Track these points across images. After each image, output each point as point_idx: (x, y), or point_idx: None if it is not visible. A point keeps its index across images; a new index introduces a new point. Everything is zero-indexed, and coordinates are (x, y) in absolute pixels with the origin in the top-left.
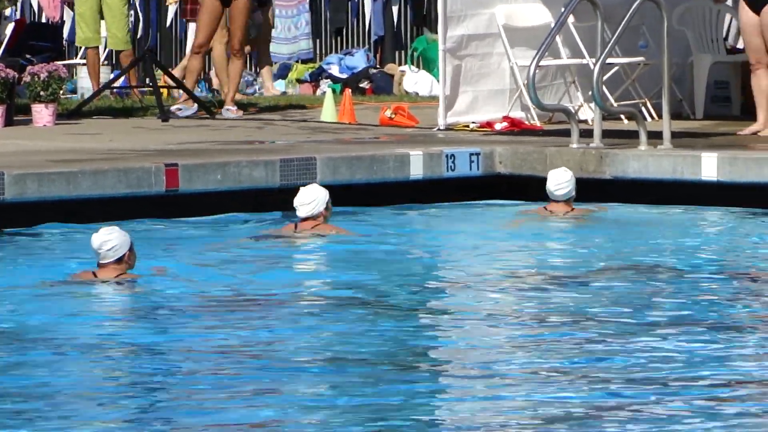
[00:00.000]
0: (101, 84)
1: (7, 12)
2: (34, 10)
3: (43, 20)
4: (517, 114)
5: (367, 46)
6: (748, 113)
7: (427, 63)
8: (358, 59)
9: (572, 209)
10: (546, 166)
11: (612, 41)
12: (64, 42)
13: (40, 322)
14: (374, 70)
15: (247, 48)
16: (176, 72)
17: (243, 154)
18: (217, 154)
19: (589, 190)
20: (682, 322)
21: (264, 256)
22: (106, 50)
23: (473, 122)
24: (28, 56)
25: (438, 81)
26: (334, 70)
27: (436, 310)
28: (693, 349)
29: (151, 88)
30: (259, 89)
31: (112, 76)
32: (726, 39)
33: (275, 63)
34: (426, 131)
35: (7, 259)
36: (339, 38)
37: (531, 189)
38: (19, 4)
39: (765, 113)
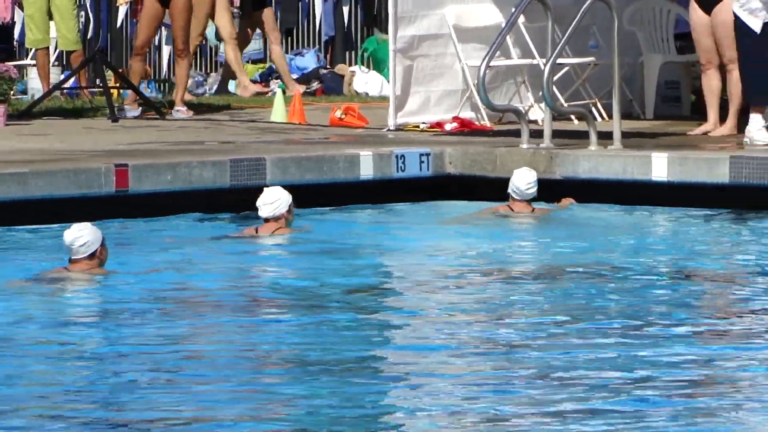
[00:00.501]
0: (51, 85)
1: None
2: None
3: None
4: (468, 114)
5: (317, 47)
6: (698, 113)
7: (378, 63)
8: (309, 60)
9: (533, 210)
10: (496, 166)
11: (562, 41)
12: (14, 43)
13: (15, 319)
14: (324, 71)
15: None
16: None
17: (193, 155)
18: (168, 154)
19: (540, 190)
20: (631, 323)
21: (225, 257)
22: (57, 51)
23: (423, 123)
24: None
25: (388, 81)
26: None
27: (399, 310)
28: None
29: (102, 89)
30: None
31: (62, 76)
32: None
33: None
34: (376, 132)
35: None
36: (289, 38)
37: (481, 190)
38: None
39: (715, 113)
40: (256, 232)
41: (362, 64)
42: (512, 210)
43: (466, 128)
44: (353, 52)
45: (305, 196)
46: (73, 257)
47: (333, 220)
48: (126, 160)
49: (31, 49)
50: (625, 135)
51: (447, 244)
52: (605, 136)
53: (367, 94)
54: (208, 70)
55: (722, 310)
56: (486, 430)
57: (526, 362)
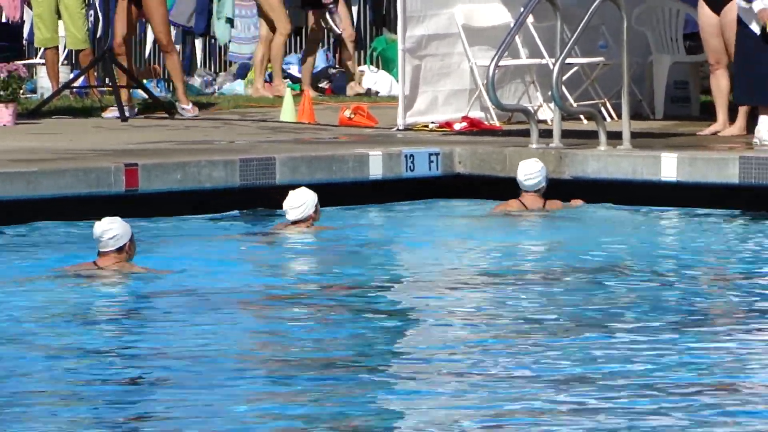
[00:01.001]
0: (61, 84)
1: None
2: None
3: (3, 20)
4: (477, 114)
5: (326, 46)
6: (707, 113)
7: (387, 63)
8: (318, 59)
9: (544, 202)
10: (505, 166)
11: (571, 41)
12: (24, 42)
13: (41, 313)
14: (334, 70)
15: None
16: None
17: (203, 154)
18: (177, 153)
19: (549, 190)
20: (641, 321)
21: (255, 254)
22: (66, 50)
23: (433, 122)
24: None
25: (397, 81)
26: (294, 70)
27: (414, 310)
28: (651, 348)
29: (111, 88)
30: (218, 89)
31: (71, 75)
32: None
33: (234, 63)
34: (385, 131)
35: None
36: (298, 38)
37: (490, 189)
38: None
39: (724, 113)
40: (286, 227)
41: (371, 63)
42: (523, 204)
43: (475, 128)
44: (362, 52)
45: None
46: (101, 250)
47: (355, 217)
48: (135, 160)
49: (40, 48)
50: (635, 135)
51: (459, 243)
52: (614, 136)
53: (376, 93)
54: (218, 70)
55: (732, 310)
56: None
57: (534, 362)
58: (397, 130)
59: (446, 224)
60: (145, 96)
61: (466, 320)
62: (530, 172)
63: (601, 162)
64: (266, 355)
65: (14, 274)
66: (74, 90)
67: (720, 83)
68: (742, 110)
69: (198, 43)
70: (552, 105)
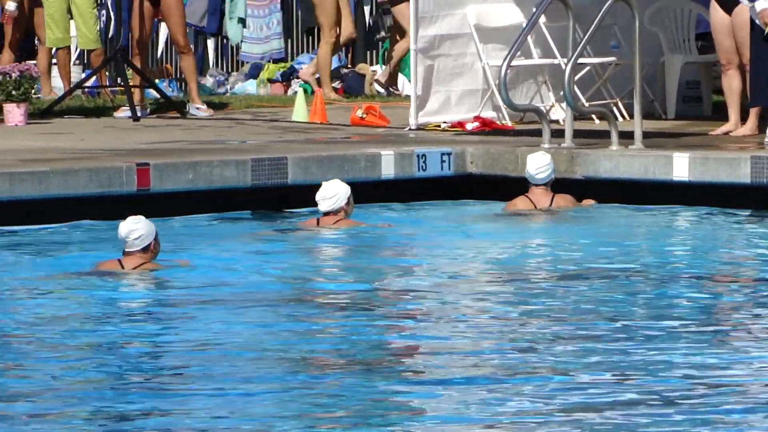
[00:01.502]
0: (72, 84)
1: None
2: None
3: None
4: (489, 114)
5: None
6: (719, 113)
7: (399, 63)
8: None
9: (553, 196)
10: (517, 166)
11: (583, 41)
12: (35, 42)
13: (67, 311)
14: (346, 70)
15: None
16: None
17: (214, 154)
18: (189, 153)
19: (561, 190)
20: (652, 323)
21: (285, 250)
22: (77, 50)
23: (445, 122)
24: None
25: (409, 81)
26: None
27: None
28: (663, 348)
29: (123, 88)
30: (230, 89)
31: (83, 75)
32: None
33: (246, 63)
34: (397, 131)
35: (29, 253)
36: (310, 38)
37: (502, 189)
38: None
39: (736, 114)
40: (318, 223)
41: (383, 63)
42: (531, 200)
43: (488, 128)
44: (374, 52)
45: None
46: (127, 250)
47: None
48: (147, 159)
49: (52, 48)
50: (647, 135)
51: (476, 244)
52: (626, 136)
53: (389, 93)
54: (230, 69)
55: (744, 310)
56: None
57: (543, 363)
58: (410, 129)
59: (462, 225)
60: (158, 96)
61: (484, 322)
62: (541, 165)
63: (613, 162)
64: (291, 354)
65: (42, 274)
66: (86, 90)
67: (731, 84)
68: (754, 111)
69: (210, 43)
70: (564, 105)
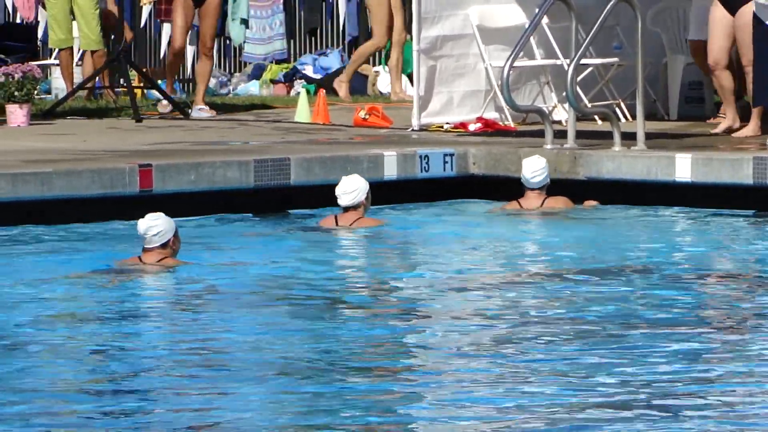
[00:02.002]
0: (75, 84)
1: None
2: (8, 11)
3: (18, 21)
4: (491, 115)
5: (341, 47)
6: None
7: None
8: (333, 60)
9: (545, 198)
10: (520, 167)
11: (586, 42)
12: (38, 42)
13: (88, 308)
14: None
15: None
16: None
17: (217, 155)
18: (191, 154)
19: (563, 191)
20: (653, 323)
21: (303, 248)
22: (80, 51)
23: (447, 123)
24: (2, 57)
25: (412, 82)
26: (309, 71)
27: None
28: (663, 349)
29: (126, 89)
30: (233, 90)
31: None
32: None
33: (249, 63)
34: (400, 132)
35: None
36: (313, 39)
37: (505, 190)
38: None
39: (733, 110)
40: (336, 222)
41: (386, 64)
42: (520, 206)
43: (490, 128)
44: (377, 53)
45: (329, 196)
46: (146, 246)
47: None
48: (150, 160)
49: (54, 49)
50: (649, 136)
51: (466, 243)
52: (629, 137)
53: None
54: (232, 70)
55: (746, 311)
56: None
57: (536, 365)
58: (412, 130)
59: (468, 225)
60: (160, 96)
61: (487, 322)
62: (537, 168)
63: (615, 163)
64: (308, 353)
65: (62, 271)
66: (99, 87)
67: (723, 82)
68: (756, 111)
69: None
70: (566, 106)
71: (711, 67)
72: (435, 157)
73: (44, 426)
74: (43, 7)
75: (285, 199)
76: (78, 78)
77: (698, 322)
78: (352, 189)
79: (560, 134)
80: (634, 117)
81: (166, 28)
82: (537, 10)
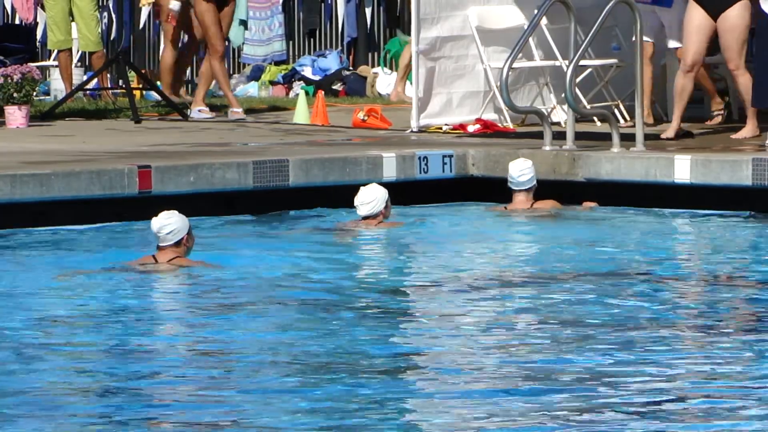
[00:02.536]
0: (74, 86)
1: None
2: (7, 12)
3: (17, 22)
4: (490, 116)
5: (340, 48)
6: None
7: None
8: (331, 61)
9: (533, 201)
10: None
11: (585, 43)
12: (37, 44)
13: (102, 306)
14: (347, 72)
15: None
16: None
17: (216, 156)
18: (190, 156)
19: (562, 192)
20: (651, 325)
21: (323, 250)
22: (79, 52)
23: (446, 124)
24: (1, 58)
25: (411, 83)
26: (307, 72)
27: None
28: (660, 350)
29: (125, 90)
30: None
31: (85, 77)
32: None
33: (248, 65)
34: (399, 133)
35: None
36: (312, 40)
37: (504, 191)
38: None
39: (679, 118)
40: (356, 223)
41: (385, 65)
42: (506, 209)
43: (489, 130)
44: (376, 54)
45: (328, 197)
46: (160, 244)
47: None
48: (149, 162)
49: (53, 50)
50: (648, 137)
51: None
52: (628, 138)
53: (389, 95)
54: (231, 72)
55: (744, 312)
56: None
57: (528, 367)
58: (411, 132)
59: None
60: (159, 98)
61: (483, 325)
62: (523, 168)
63: (614, 164)
64: (319, 353)
65: (74, 269)
66: (87, 92)
67: (687, 86)
68: (751, 112)
69: None
70: (565, 107)
71: (688, 69)
72: (434, 159)
73: (60, 426)
74: (42, 8)
75: (284, 200)
76: (77, 79)
77: (697, 323)
78: (370, 199)
79: (559, 135)
80: (632, 118)
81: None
82: (536, 11)
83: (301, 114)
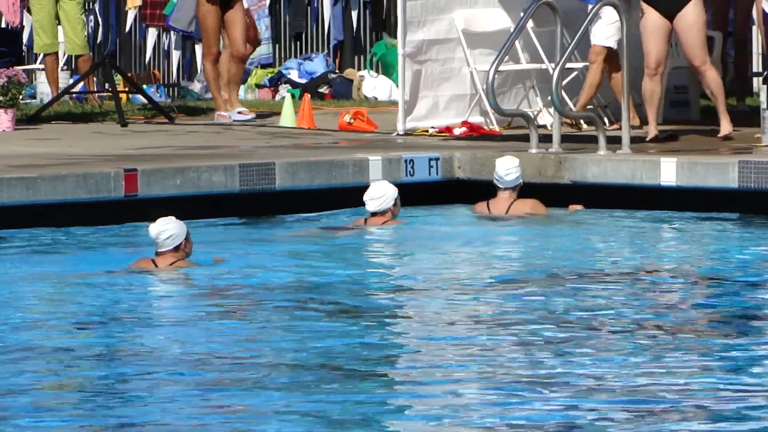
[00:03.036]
0: (60, 89)
1: None
2: None
3: (3, 25)
4: (477, 119)
5: (326, 51)
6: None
7: (387, 68)
8: (318, 64)
9: (515, 200)
10: None
11: (571, 46)
12: (23, 47)
13: (100, 309)
14: (333, 75)
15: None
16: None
17: (202, 159)
18: (177, 159)
19: (549, 195)
20: (636, 326)
21: (327, 250)
22: (65, 56)
23: (432, 127)
24: None
25: (397, 86)
26: (294, 75)
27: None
28: (645, 351)
29: (111, 93)
30: None
31: (71, 81)
32: None
33: None
34: (385, 136)
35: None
36: (298, 43)
37: (490, 194)
38: None
39: (655, 120)
40: (365, 223)
41: (371, 68)
42: (489, 208)
43: (475, 133)
44: (362, 57)
45: (314, 200)
46: (159, 250)
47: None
48: (135, 165)
49: (39, 53)
50: (634, 140)
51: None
52: (614, 141)
53: (376, 98)
54: None
55: (729, 314)
56: None
57: (515, 368)
58: (397, 135)
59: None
60: (145, 101)
61: (470, 327)
62: (510, 166)
63: (600, 166)
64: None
65: (74, 272)
66: (74, 95)
67: (655, 90)
68: (722, 108)
69: (198, 48)
70: (552, 110)
71: (651, 72)
72: (420, 162)
73: (56, 428)
74: (29, 11)
75: (270, 203)
76: (63, 83)
77: (682, 325)
78: (379, 195)
79: (545, 138)
80: (619, 121)
81: (152, 32)
82: (522, 14)
83: (287, 117)
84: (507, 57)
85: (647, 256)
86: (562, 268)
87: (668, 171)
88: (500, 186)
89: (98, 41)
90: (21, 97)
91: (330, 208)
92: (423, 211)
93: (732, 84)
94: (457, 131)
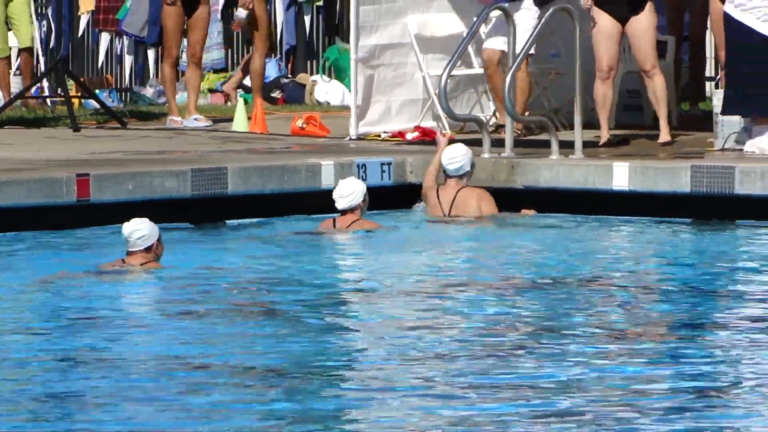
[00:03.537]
0: (12, 94)
1: None
2: None
3: None
4: (429, 124)
5: (278, 56)
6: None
7: (339, 73)
8: (270, 69)
9: (462, 187)
10: None
11: (523, 51)
12: None
13: (72, 310)
14: (286, 80)
15: None
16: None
17: (155, 164)
18: (129, 164)
19: (501, 199)
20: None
21: (301, 253)
22: (18, 61)
23: (385, 132)
24: None
25: (350, 91)
26: (246, 80)
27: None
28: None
29: (63, 98)
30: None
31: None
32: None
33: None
34: (338, 141)
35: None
36: (251, 48)
37: None
38: None
39: (607, 124)
40: (335, 224)
41: (324, 73)
42: (438, 195)
43: (428, 137)
44: (315, 61)
45: (266, 205)
46: (129, 249)
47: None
48: (87, 170)
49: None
50: (587, 144)
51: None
52: (566, 146)
53: (328, 103)
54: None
55: (679, 318)
56: None
57: (494, 371)
58: (350, 139)
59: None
60: (98, 106)
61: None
62: (453, 156)
63: (553, 171)
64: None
65: (42, 274)
66: (31, 93)
67: (607, 93)
68: (663, 113)
69: (150, 53)
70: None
71: (603, 75)
72: (372, 166)
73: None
74: None
75: (222, 208)
76: (15, 87)
77: (630, 329)
78: (348, 192)
79: (498, 143)
80: (571, 126)
81: (104, 37)
82: (475, 20)
83: (239, 122)
84: (460, 62)
85: (599, 261)
86: (514, 274)
87: (621, 176)
88: (447, 174)
89: (51, 46)
90: None
91: (283, 213)
92: (376, 216)
93: (686, 88)
94: (409, 136)
